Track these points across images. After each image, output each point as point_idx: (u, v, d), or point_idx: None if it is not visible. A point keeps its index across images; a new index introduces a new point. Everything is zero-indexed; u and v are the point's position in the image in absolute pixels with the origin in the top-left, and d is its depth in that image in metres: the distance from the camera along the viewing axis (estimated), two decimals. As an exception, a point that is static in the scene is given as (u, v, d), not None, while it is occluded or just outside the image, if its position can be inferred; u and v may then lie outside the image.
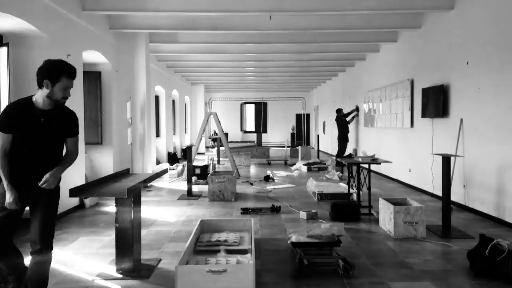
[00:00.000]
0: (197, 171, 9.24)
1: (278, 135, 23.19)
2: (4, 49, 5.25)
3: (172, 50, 10.27)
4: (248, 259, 3.52)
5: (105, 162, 7.75)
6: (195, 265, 3.11)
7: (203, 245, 3.93)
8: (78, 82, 6.55)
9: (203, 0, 6.58)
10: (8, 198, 2.64)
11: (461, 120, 6.31)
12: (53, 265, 3.88)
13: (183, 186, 8.39)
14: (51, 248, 2.85)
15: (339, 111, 12.54)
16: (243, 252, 3.81)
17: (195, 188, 8.10)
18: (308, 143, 22.79)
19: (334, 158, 11.85)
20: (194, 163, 9.91)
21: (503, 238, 3.97)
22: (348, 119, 12.38)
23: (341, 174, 9.49)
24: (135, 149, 8.54)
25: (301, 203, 6.73)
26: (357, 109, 12.34)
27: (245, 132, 23.72)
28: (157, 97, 12.61)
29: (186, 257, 3.31)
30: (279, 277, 3.55)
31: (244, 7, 6.61)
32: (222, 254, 3.72)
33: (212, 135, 18.51)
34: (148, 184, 8.16)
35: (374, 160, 6.11)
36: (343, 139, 12.23)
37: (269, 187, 8.41)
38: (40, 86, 2.79)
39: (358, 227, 5.24)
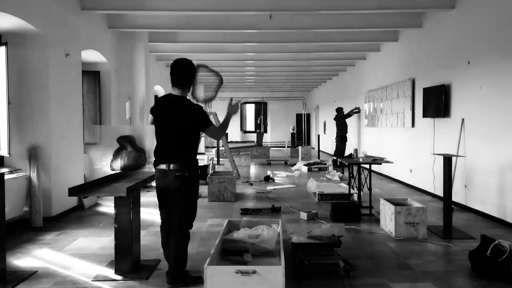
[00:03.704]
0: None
1: (278, 135, 23.17)
2: (3, 48, 5.22)
3: (172, 49, 10.25)
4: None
5: (104, 162, 7.72)
6: (224, 266, 3.07)
7: (230, 243, 3.81)
8: (77, 82, 6.53)
9: (203, -1, 6.56)
10: None
11: (463, 120, 6.28)
12: (52, 266, 3.87)
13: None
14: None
15: (339, 110, 12.50)
16: (270, 253, 3.73)
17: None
18: (308, 143, 22.77)
19: (334, 158, 11.83)
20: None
21: (504, 238, 3.94)
22: (346, 113, 12.35)
23: (341, 174, 9.46)
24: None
25: (301, 204, 6.70)
26: (358, 110, 12.29)
27: (245, 132, 23.70)
28: (156, 97, 12.57)
29: (214, 257, 3.28)
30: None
31: (244, 6, 6.58)
32: (249, 256, 3.65)
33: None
34: (148, 185, 8.12)
35: (375, 160, 6.08)
36: (341, 139, 12.22)
37: (269, 187, 8.38)
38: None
39: (359, 228, 5.21)
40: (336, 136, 12.40)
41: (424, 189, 7.67)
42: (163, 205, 3.43)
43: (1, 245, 3.44)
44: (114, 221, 3.59)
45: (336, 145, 12.43)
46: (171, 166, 3.27)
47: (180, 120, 3.28)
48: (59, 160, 5.79)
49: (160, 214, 3.47)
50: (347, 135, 12.29)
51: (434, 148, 7.09)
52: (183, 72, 3.35)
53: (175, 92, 3.36)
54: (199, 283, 3.29)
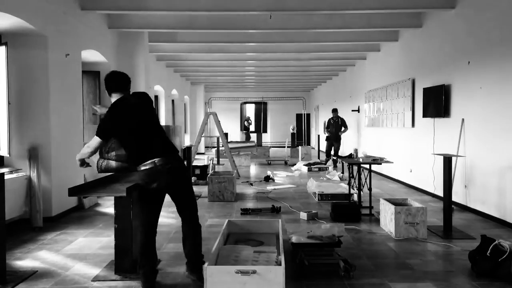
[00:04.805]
0: (197, 171, 9.20)
1: (278, 135, 23.18)
2: (3, 48, 5.22)
3: (172, 49, 10.25)
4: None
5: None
6: (224, 266, 3.08)
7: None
8: (77, 82, 6.54)
9: (203, -1, 6.56)
10: None
11: (463, 120, 6.28)
12: (52, 266, 3.87)
13: (182, 186, 8.34)
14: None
15: (334, 110, 12.68)
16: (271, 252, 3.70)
17: (195, 189, 8.00)
18: (308, 143, 22.76)
19: (334, 158, 11.85)
20: (194, 163, 9.87)
21: (504, 238, 3.95)
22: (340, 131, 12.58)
23: (341, 174, 9.45)
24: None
25: (301, 204, 6.70)
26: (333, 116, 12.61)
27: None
28: (156, 97, 12.57)
29: (214, 258, 3.28)
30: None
31: (244, 6, 6.58)
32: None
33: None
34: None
35: (375, 160, 6.08)
36: (336, 140, 12.45)
37: (269, 187, 8.38)
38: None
39: (359, 228, 5.21)
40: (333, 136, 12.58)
41: (424, 189, 7.67)
42: (159, 205, 3.39)
43: (1, 245, 3.44)
44: (114, 221, 3.60)
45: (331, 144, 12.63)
46: (176, 157, 3.32)
47: (154, 114, 3.45)
48: (59, 160, 5.79)
49: (149, 219, 3.34)
50: (343, 135, 12.58)
51: (434, 148, 7.09)
52: (128, 77, 3.43)
53: (118, 96, 3.29)
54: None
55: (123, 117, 3.17)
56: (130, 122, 3.18)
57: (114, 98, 3.27)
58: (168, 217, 5.62)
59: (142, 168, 3.18)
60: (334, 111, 12.66)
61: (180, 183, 3.35)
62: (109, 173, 3.76)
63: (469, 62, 6.15)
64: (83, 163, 3.31)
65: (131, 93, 3.40)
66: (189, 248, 3.41)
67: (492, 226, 5.28)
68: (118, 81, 3.29)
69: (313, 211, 5.82)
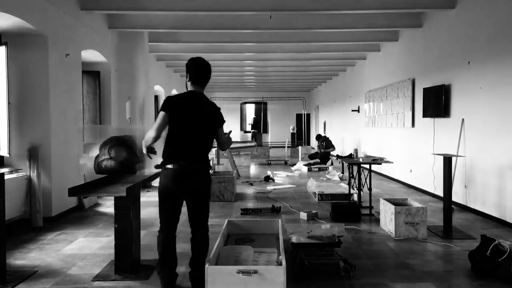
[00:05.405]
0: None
1: (278, 135, 23.18)
2: (3, 48, 5.22)
3: (172, 49, 10.25)
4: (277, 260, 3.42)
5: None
6: (225, 266, 3.08)
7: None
8: (77, 82, 6.54)
9: (203, -1, 6.56)
10: None
11: (463, 120, 6.28)
12: (52, 266, 3.87)
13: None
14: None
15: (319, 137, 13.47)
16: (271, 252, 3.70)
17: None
18: (308, 143, 22.76)
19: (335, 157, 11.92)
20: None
21: (504, 238, 3.95)
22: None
23: (341, 174, 9.46)
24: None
25: (301, 204, 6.70)
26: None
27: (245, 132, 23.71)
28: (156, 97, 12.57)
29: (215, 258, 3.29)
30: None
31: (244, 6, 6.58)
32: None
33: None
34: (148, 184, 8.12)
35: (375, 160, 6.09)
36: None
37: (269, 187, 8.38)
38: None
39: (359, 228, 5.21)
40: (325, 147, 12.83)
41: (424, 189, 7.67)
42: (176, 207, 3.22)
43: (1, 245, 3.44)
44: (114, 221, 3.60)
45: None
46: (201, 165, 3.25)
47: (213, 119, 3.26)
48: (59, 160, 5.79)
49: (166, 219, 3.21)
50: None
51: (434, 148, 7.09)
52: (209, 70, 3.28)
53: (194, 89, 3.23)
54: None
55: (171, 107, 3.13)
56: (173, 116, 3.12)
57: (189, 86, 3.25)
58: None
59: (167, 167, 3.14)
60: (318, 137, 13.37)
61: (192, 194, 3.23)
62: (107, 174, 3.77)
63: (469, 62, 6.15)
64: (151, 150, 3.17)
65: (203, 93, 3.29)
66: (195, 273, 3.28)
67: (492, 226, 5.28)
68: (193, 72, 3.22)
69: (313, 211, 5.82)
